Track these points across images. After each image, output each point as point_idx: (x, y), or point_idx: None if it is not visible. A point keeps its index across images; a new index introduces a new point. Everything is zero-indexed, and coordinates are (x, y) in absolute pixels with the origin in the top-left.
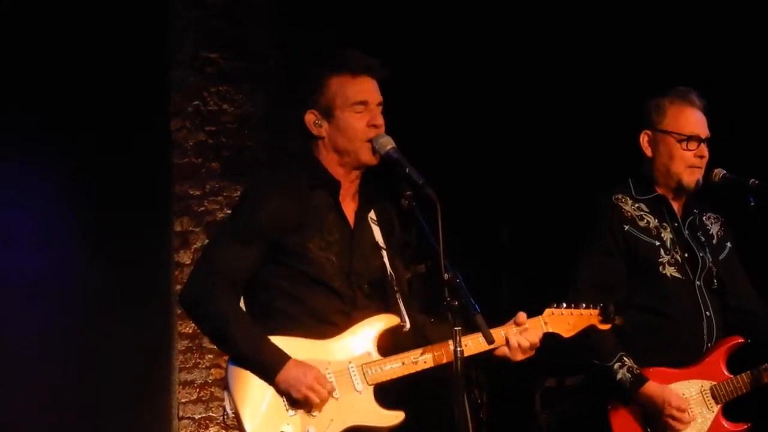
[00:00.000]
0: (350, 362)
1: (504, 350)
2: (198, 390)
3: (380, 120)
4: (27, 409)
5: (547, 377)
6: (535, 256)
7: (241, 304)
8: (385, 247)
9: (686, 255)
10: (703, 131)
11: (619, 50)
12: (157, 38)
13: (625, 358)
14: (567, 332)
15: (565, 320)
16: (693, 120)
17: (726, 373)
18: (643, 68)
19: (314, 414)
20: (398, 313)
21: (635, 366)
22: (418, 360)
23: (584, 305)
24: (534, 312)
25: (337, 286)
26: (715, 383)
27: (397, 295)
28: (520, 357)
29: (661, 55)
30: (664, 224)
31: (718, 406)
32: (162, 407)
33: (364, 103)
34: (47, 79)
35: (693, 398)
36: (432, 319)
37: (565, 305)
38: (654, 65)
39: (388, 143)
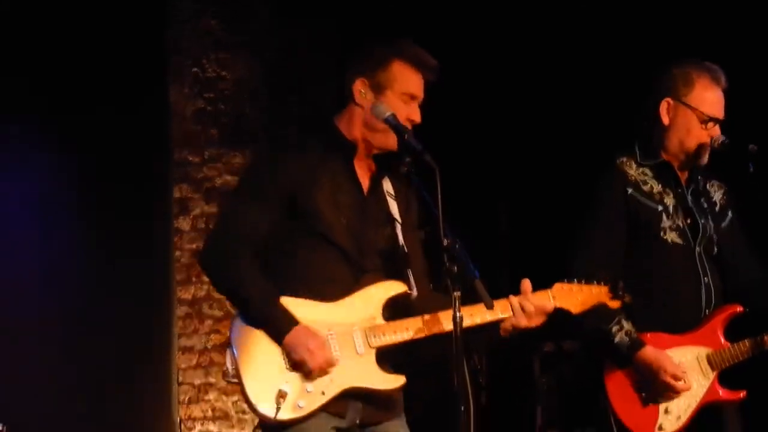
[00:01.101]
0: (354, 325)
1: (509, 321)
2: (197, 356)
3: (418, 119)
4: (24, 377)
5: (546, 342)
6: (534, 235)
7: None
8: (400, 220)
9: (688, 221)
10: (722, 114)
11: (616, 26)
12: (155, 5)
13: (624, 322)
14: (576, 308)
15: (574, 296)
16: (718, 102)
17: (723, 340)
18: (639, 44)
19: (314, 374)
20: (407, 281)
21: (633, 330)
22: (421, 327)
23: (595, 281)
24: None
25: (346, 249)
26: (711, 350)
27: (408, 266)
28: (524, 323)
29: (658, 27)
30: (668, 190)
31: (714, 373)
32: (162, 373)
33: (414, 97)
34: (44, 48)
35: (689, 365)
36: (432, 286)
37: (576, 280)
38: (650, 39)
39: (387, 110)
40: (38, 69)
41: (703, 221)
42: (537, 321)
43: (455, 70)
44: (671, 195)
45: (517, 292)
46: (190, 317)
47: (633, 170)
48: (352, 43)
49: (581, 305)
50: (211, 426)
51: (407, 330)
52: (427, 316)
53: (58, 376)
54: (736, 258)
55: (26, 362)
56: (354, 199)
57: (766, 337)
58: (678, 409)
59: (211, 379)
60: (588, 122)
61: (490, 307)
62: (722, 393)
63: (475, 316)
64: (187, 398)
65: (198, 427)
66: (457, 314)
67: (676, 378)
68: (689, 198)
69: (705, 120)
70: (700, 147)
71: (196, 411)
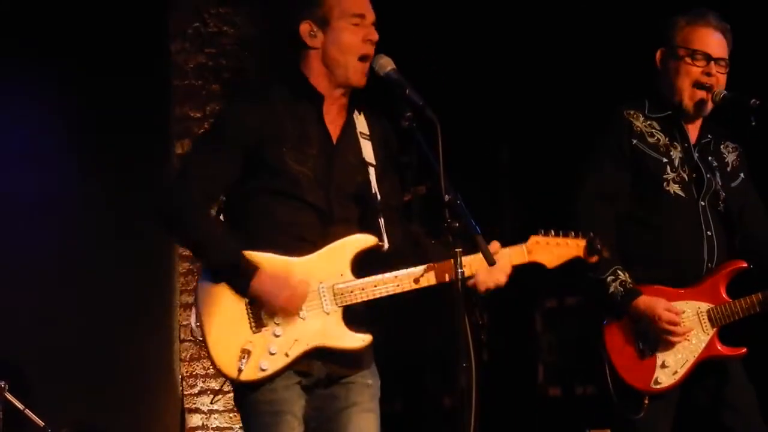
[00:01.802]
0: (321, 282)
1: (471, 282)
2: None
3: (375, 36)
4: (27, 331)
5: (548, 298)
6: (535, 178)
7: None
8: (373, 162)
9: (694, 175)
10: (715, 50)
11: None
12: None
13: (620, 272)
14: (551, 263)
15: (549, 250)
16: (704, 37)
17: (725, 296)
18: None
19: (278, 334)
20: (378, 232)
21: (629, 280)
22: (392, 284)
23: (573, 234)
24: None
25: (311, 200)
26: (712, 306)
27: (380, 215)
28: (482, 290)
29: None
30: (675, 143)
31: (714, 329)
32: (163, 330)
33: (361, 16)
34: (45, 2)
35: (689, 319)
36: (433, 242)
37: (552, 233)
38: None
39: (388, 64)
40: (40, 21)
41: (708, 176)
42: (501, 280)
43: (459, 12)
44: (678, 148)
45: (517, 235)
46: (192, 273)
47: (639, 122)
48: None
49: (557, 259)
50: (213, 383)
51: (375, 286)
52: (398, 273)
53: (59, 335)
54: (745, 216)
55: (27, 320)
56: (322, 147)
57: None
58: (675, 364)
59: None
60: (589, 66)
61: (491, 263)
62: (721, 348)
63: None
64: (188, 355)
65: (200, 384)
66: (460, 270)
67: (672, 322)
68: (696, 153)
69: (689, 54)
70: (696, 92)
71: (197, 368)
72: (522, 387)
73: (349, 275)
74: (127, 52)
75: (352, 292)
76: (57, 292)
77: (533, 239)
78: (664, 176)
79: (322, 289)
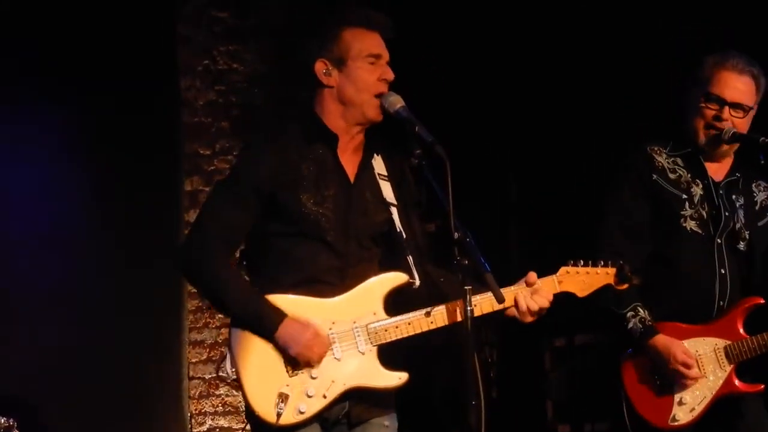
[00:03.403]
0: (355, 321)
1: (513, 311)
2: (208, 350)
3: (391, 75)
4: (31, 367)
5: (557, 337)
6: (544, 211)
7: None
8: (395, 202)
9: (713, 212)
10: (732, 95)
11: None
12: None
13: (640, 309)
14: (581, 291)
15: (580, 279)
16: (724, 80)
17: (742, 332)
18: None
19: (314, 376)
20: (407, 269)
21: (648, 318)
22: (424, 320)
23: (602, 263)
24: (544, 268)
25: (330, 241)
26: (729, 342)
27: (407, 252)
28: (529, 319)
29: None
30: (697, 180)
31: (731, 365)
32: (172, 367)
33: (377, 56)
34: (57, 38)
35: (706, 356)
36: (442, 279)
37: (582, 263)
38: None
39: (397, 102)
40: (51, 62)
41: (727, 214)
42: (540, 315)
43: (471, 42)
44: (699, 185)
45: (525, 267)
46: (201, 311)
47: (662, 158)
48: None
49: (588, 288)
50: (222, 421)
51: (410, 325)
52: (431, 309)
53: (68, 372)
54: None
55: (35, 355)
56: (339, 188)
57: None
58: (693, 400)
59: (222, 374)
60: (593, 99)
61: (501, 301)
62: (739, 385)
63: (481, 306)
64: (197, 393)
65: (209, 422)
66: (469, 308)
67: (687, 366)
68: (721, 191)
69: (706, 96)
70: (709, 132)
71: (206, 405)
72: (531, 424)
73: (382, 314)
74: (138, 89)
75: (386, 330)
76: (67, 328)
77: (563, 270)
78: (682, 212)
79: (356, 329)
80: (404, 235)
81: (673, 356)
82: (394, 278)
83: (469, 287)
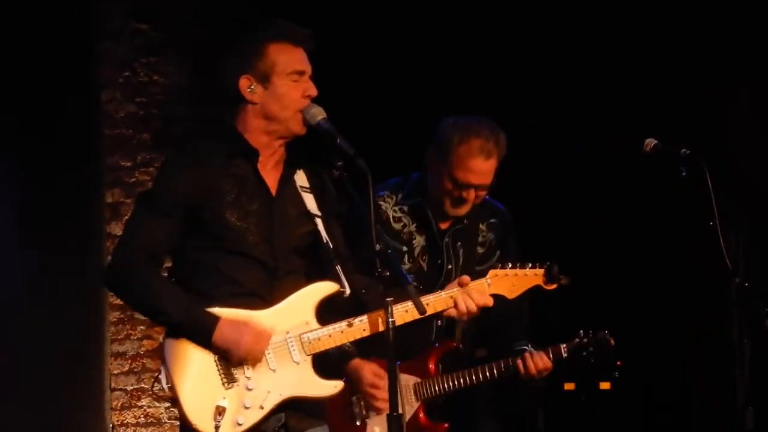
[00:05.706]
0: (288, 332)
1: (452, 312)
2: (130, 361)
3: (315, 91)
4: None
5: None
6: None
7: None
8: (319, 213)
9: (438, 261)
10: (477, 179)
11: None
12: (84, 9)
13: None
14: (511, 293)
15: (509, 281)
16: (469, 167)
17: (434, 371)
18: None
19: (251, 387)
20: (337, 279)
21: (351, 345)
22: (356, 327)
23: (530, 264)
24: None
25: (257, 255)
26: (419, 380)
27: (335, 261)
28: (465, 318)
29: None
30: (421, 230)
31: (419, 403)
32: (94, 379)
33: (301, 72)
34: None
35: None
36: (363, 291)
37: (510, 265)
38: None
39: (319, 114)
40: None
41: (450, 266)
42: (475, 312)
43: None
44: (424, 236)
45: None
46: (123, 322)
47: (389, 206)
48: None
49: (518, 289)
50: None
51: (343, 332)
52: (363, 317)
53: None
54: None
55: None
56: (262, 202)
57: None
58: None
59: (144, 385)
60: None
61: (422, 312)
62: (424, 422)
63: (411, 312)
64: (119, 404)
65: None
66: (390, 320)
67: (375, 386)
68: (446, 239)
69: (449, 175)
70: (451, 201)
71: (128, 417)
72: None
73: (314, 323)
74: (57, 102)
75: (319, 339)
76: None
77: (492, 272)
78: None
79: (290, 340)
80: (331, 245)
81: (360, 380)
82: (325, 288)
83: (391, 299)
